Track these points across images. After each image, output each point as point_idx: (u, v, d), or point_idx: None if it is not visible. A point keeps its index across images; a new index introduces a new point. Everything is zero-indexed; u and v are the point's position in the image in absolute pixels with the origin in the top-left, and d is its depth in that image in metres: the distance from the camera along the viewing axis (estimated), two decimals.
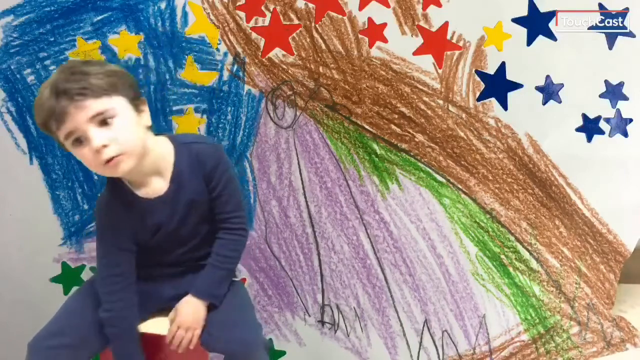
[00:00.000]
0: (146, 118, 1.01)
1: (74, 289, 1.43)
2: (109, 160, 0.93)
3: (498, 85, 1.42)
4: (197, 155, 1.05)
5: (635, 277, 1.81)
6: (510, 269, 1.52)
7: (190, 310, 1.05)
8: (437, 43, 1.39)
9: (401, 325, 1.52)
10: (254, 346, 1.02)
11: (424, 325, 1.52)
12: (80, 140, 0.93)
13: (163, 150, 1.04)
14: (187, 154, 1.05)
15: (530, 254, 1.52)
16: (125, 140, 0.94)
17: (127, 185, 1.03)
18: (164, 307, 1.11)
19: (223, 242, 1.09)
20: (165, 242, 1.07)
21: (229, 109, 1.40)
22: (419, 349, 1.53)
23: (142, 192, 1.04)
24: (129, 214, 1.03)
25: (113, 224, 1.03)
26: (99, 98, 0.92)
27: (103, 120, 0.92)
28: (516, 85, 1.43)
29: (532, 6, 1.38)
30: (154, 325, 1.09)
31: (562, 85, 1.43)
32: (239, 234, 1.10)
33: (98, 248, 1.04)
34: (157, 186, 1.04)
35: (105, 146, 0.92)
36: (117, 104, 0.94)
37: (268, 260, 1.49)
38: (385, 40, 1.39)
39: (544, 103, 1.44)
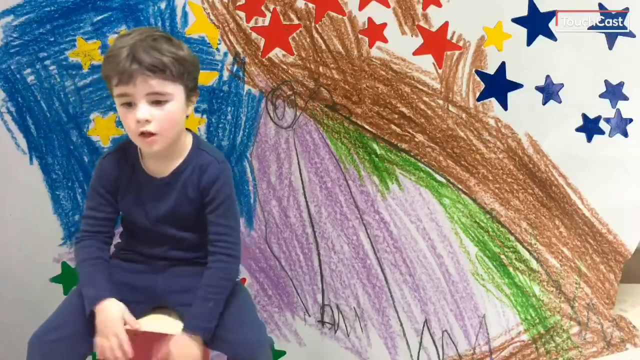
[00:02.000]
0: (190, 109, 1.07)
1: (74, 288, 1.44)
2: (144, 134, 0.99)
3: (498, 85, 1.42)
4: (203, 165, 1.07)
5: (636, 277, 1.81)
6: (510, 269, 1.52)
7: (185, 351, 1.01)
8: (437, 43, 1.39)
9: (401, 325, 1.52)
10: (260, 347, 1.02)
11: (424, 325, 1.52)
12: (129, 104, 0.99)
13: (184, 143, 1.08)
14: (196, 158, 1.08)
15: (530, 254, 1.52)
16: (167, 124, 1.00)
17: (138, 152, 1.08)
18: (161, 305, 1.11)
19: (210, 271, 1.06)
20: (142, 224, 1.09)
21: (229, 109, 1.40)
22: (419, 349, 1.53)
23: (147, 166, 1.08)
24: (123, 173, 1.08)
25: (105, 174, 1.08)
26: (165, 81, 0.98)
27: (157, 100, 0.99)
28: (516, 85, 1.43)
29: (532, 6, 1.38)
30: (153, 324, 1.08)
31: (562, 85, 1.43)
32: (224, 260, 1.06)
33: (87, 194, 1.11)
34: (163, 168, 1.07)
35: (147, 121, 0.98)
36: (176, 92, 1.00)
37: (268, 260, 1.49)
38: (385, 40, 1.39)
39: (544, 103, 1.44)
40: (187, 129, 1.10)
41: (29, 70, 1.35)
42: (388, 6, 1.36)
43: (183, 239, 1.10)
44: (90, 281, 1.04)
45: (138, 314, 1.07)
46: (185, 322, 1.03)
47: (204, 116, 1.40)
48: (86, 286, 1.03)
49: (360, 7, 1.36)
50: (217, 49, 1.37)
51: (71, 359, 1.00)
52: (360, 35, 1.38)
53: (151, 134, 0.99)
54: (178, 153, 1.08)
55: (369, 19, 1.37)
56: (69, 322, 1.02)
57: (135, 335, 1.03)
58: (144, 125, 0.98)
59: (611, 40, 1.41)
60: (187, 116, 1.07)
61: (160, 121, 0.99)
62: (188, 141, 1.09)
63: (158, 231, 1.09)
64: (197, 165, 1.07)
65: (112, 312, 1.00)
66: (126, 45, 0.97)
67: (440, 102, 1.43)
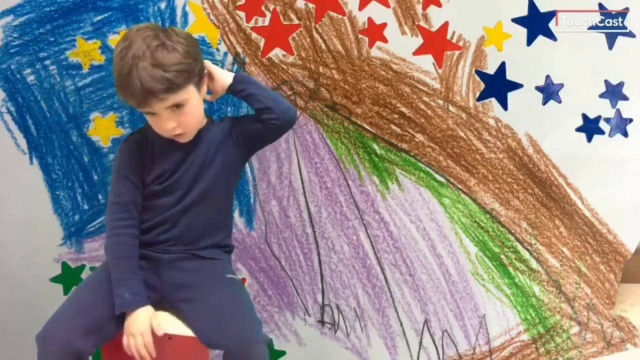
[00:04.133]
0: (204, 88, 1.14)
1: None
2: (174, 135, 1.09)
3: (498, 85, 1.42)
4: (221, 123, 1.20)
5: (636, 277, 1.81)
6: (510, 269, 1.52)
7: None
8: (437, 43, 1.39)
9: (401, 325, 1.52)
10: (252, 342, 1.02)
11: (424, 325, 1.52)
12: (153, 113, 1.06)
13: (203, 114, 1.17)
14: (213, 123, 1.20)
15: (530, 254, 1.52)
16: (191, 122, 1.10)
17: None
18: (163, 300, 1.12)
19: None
20: (164, 189, 1.13)
21: (229, 109, 1.40)
22: (419, 349, 1.53)
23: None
24: (145, 151, 1.14)
25: (127, 159, 1.14)
26: (178, 92, 1.04)
27: (177, 106, 1.06)
28: (516, 85, 1.43)
29: (532, 6, 1.38)
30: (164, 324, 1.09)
31: (562, 85, 1.43)
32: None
33: (111, 175, 1.16)
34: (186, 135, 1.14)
35: (174, 127, 1.07)
36: (190, 93, 1.07)
37: (268, 260, 1.49)
38: (385, 40, 1.39)
39: (544, 103, 1.44)
40: None
41: (29, 70, 1.35)
42: (388, 6, 1.36)
43: (203, 200, 1.14)
44: (125, 283, 1.07)
45: None
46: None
47: None
48: (120, 287, 1.06)
49: (360, 7, 1.36)
50: (217, 49, 1.37)
51: (81, 354, 1.01)
52: (360, 35, 1.38)
53: (179, 134, 1.09)
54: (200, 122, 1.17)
55: (369, 19, 1.37)
56: (82, 315, 1.03)
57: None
58: (173, 131, 1.08)
59: (611, 40, 1.41)
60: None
61: (185, 123, 1.08)
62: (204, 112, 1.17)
63: (176, 194, 1.13)
64: (219, 126, 1.19)
65: (142, 316, 1.05)
66: (132, 68, 1.01)
67: (440, 102, 1.43)
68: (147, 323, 1.04)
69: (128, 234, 1.11)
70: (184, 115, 1.07)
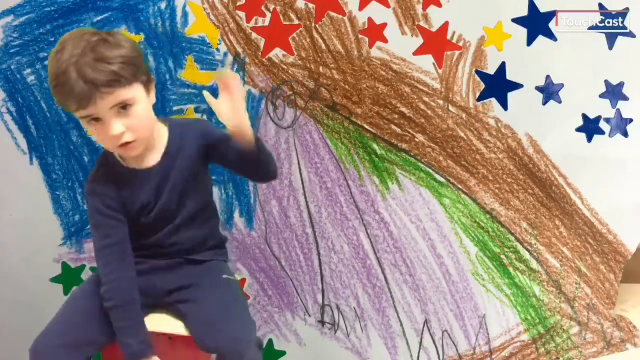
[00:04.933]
0: (152, 96, 1.04)
1: (74, 289, 1.44)
2: (123, 144, 0.98)
3: (498, 85, 1.42)
4: (190, 130, 1.08)
5: (636, 277, 1.81)
6: (510, 269, 1.52)
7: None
8: (437, 43, 1.39)
9: (401, 325, 1.52)
10: (244, 343, 1.01)
11: (424, 325, 1.52)
12: (97, 119, 0.96)
13: (160, 129, 1.07)
14: (180, 130, 1.08)
15: (530, 254, 1.52)
16: (140, 127, 0.99)
17: (117, 157, 1.06)
18: (159, 304, 1.11)
19: None
20: (152, 219, 1.07)
21: None
22: (419, 349, 1.53)
23: (133, 164, 1.06)
24: (117, 185, 1.04)
25: (102, 195, 1.04)
26: (124, 88, 0.95)
27: (122, 107, 0.96)
28: (516, 85, 1.43)
29: (532, 6, 1.38)
30: (152, 323, 1.08)
31: (562, 85, 1.43)
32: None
33: (90, 221, 1.06)
34: (149, 159, 1.06)
35: (123, 132, 0.97)
36: (137, 92, 0.97)
37: (268, 260, 1.49)
38: (385, 40, 1.39)
39: (544, 103, 1.44)
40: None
41: (29, 70, 1.35)
42: (388, 6, 1.36)
43: (189, 209, 1.09)
44: (129, 331, 1.02)
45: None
46: None
47: (204, 116, 1.40)
48: (125, 336, 1.02)
49: (360, 7, 1.36)
50: (217, 49, 1.37)
51: None
52: (360, 35, 1.38)
53: (129, 142, 0.98)
54: (157, 138, 1.07)
55: (369, 19, 1.37)
56: (73, 327, 1.02)
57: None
58: (120, 137, 0.97)
59: (611, 40, 1.41)
60: (153, 105, 1.05)
61: (133, 128, 0.97)
62: (160, 125, 1.08)
63: (162, 215, 1.07)
64: (186, 132, 1.07)
65: None
66: (70, 66, 0.91)
67: (440, 102, 1.43)
68: None
69: (123, 278, 1.03)
70: (132, 118, 0.97)
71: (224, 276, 1.14)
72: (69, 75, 0.91)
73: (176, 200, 1.08)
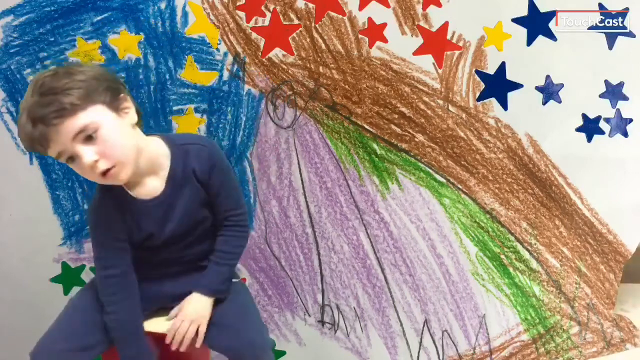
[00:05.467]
0: (131, 116, 0.98)
1: (74, 289, 1.44)
2: (105, 173, 0.93)
3: (498, 85, 1.42)
4: (192, 157, 1.03)
5: (636, 277, 1.81)
6: (510, 269, 1.52)
7: (195, 305, 1.05)
8: (437, 43, 1.39)
9: (401, 325, 1.52)
10: (261, 348, 1.02)
11: (424, 325, 1.52)
12: (72, 157, 0.92)
13: (158, 151, 1.02)
14: (182, 156, 1.03)
15: (530, 254, 1.52)
16: (113, 151, 0.92)
17: (121, 185, 1.02)
18: (164, 307, 1.10)
19: (224, 238, 1.09)
20: (160, 243, 1.06)
21: (229, 109, 1.40)
22: (419, 349, 1.53)
23: (136, 192, 1.02)
24: (121, 214, 1.01)
25: (105, 225, 1.01)
26: (76, 115, 0.89)
27: (87, 136, 0.91)
28: (516, 85, 1.43)
29: (532, 6, 1.38)
30: (154, 325, 1.08)
31: (562, 85, 1.43)
32: (239, 230, 1.10)
33: (93, 250, 1.04)
34: (152, 187, 1.03)
35: (97, 161, 0.91)
36: (96, 116, 0.91)
37: (268, 260, 1.49)
38: (385, 40, 1.39)
39: (544, 103, 1.44)
40: (151, 134, 1.05)
41: (29, 70, 1.35)
42: (388, 6, 1.36)
43: (195, 232, 1.08)
44: (131, 347, 1.03)
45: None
46: (198, 285, 1.06)
47: (204, 116, 1.40)
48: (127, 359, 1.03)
49: (360, 7, 1.36)
50: (217, 49, 1.37)
51: None
52: (360, 35, 1.38)
53: (108, 169, 0.92)
54: (158, 160, 1.02)
55: (369, 19, 1.37)
56: (74, 333, 1.01)
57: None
58: (96, 166, 0.91)
59: (611, 40, 1.41)
60: (134, 124, 0.98)
61: (106, 153, 0.91)
62: (161, 146, 1.03)
63: (170, 240, 1.06)
64: (188, 159, 1.03)
65: None
66: (23, 111, 0.90)
67: (440, 102, 1.43)
68: None
69: (126, 309, 1.02)
70: (100, 143, 0.91)
71: (234, 280, 1.14)
72: (21, 121, 0.90)
73: (187, 226, 1.06)
